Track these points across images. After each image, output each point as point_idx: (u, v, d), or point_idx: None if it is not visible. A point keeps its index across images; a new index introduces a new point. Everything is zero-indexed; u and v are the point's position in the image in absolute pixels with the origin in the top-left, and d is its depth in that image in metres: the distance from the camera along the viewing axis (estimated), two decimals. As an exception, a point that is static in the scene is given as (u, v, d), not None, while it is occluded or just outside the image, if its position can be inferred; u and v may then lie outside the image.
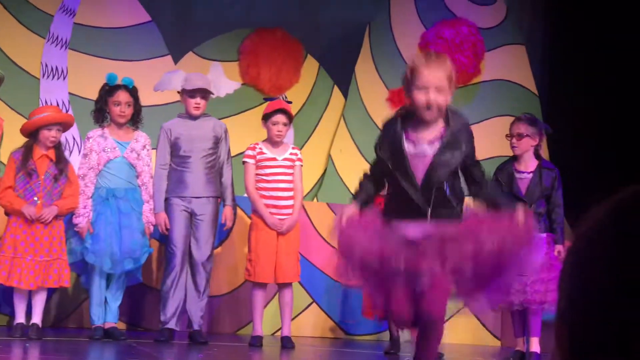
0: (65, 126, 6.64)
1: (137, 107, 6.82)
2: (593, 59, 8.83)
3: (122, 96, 6.75)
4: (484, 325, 8.20)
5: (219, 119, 7.20)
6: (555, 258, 6.65)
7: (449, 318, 8.12)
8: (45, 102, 8.08)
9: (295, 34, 8.96)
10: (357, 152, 8.98)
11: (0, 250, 6.43)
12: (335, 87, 9.12)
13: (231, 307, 7.62)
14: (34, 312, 6.48)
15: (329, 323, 7.90)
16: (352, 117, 9.02)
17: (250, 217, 7.01)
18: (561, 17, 9.49)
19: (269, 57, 8.83)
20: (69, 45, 8.39)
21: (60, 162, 6.57)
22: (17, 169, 6.50)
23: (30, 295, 6.52)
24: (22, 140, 6.63)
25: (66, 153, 6.96)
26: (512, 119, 7.13)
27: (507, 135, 6.90)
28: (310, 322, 7.84)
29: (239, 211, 7.53)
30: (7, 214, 6.56)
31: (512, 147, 6.83)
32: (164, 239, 6.84)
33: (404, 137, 4.19)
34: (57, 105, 7.88)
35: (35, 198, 6.47)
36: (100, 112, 6.79)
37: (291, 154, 6.89)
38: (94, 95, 6.93)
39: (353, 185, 8.79)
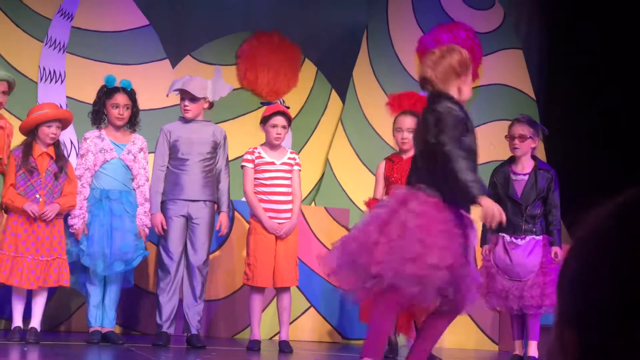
0: (64, 123, 6.61)
1: (134, 110, 6.82)
2: (590, 63, 8.84)
3: (120, 98, 6.75)
4: (481, 329, 8.20)
5: (216, 123, 7.20)
6: (552, 261, 6.63)
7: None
8: (43, 105, 8.06)
9: (293, 38, 8.97)
10: (354, 156, 8.98)
11: (1, 248, 6.41)
12: (333, 91, 9.12)
13: (229, 311, 7.62)
14: (33, 315, 6.46)
15: (327, 327, 7.90)
16: (349, 121, 9.03)
17: (248, 222, 7.01)
18: (558, 21, 9.50)
19: (267, 61, 8.84)
20: (67, 49, 8.39)
21: (60, 159, 6.57)
22: (17, 166, 6.48)
23: (28, 297, 6.51)
24: (21, 140, 6.61)
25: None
26: (509, 123, 7.11)
27: (506, 137, 6.87)
28: (308, 326, 7.84)
29: (237, 215, 7.53)
30: (7, 212, 6.53)
31: (513, 149, 6.79)
32: (159, 242, 6.83)
33: None
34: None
35: (38, 195, 6.44)
36: (98, 114, 6.79)
37: (289, 158, 6.89)
38: (91, 98, 6.93)
39: (350, 189, 8.85)
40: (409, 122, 6.56)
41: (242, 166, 6.86)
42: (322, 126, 9.06)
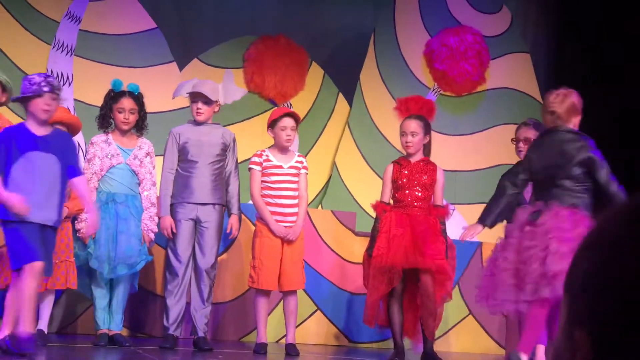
0: (69, 127, 6.56)
1: (142, 114, 6.81)
2: (598, 67, 8.83)
3: (126, 103, 6.74)
4: (488, 333, 8.19)
5: (224, 125, 7.21)
6: None
7: (454, 326, 8.13)
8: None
9: (300, 41, 8.98)
10: (361, 159, 8.99)
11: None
12: (340, 95, 9.13)
13: (236, 313, 7.62)
14: (41, 317, 6.46)
15: (333, 330, 7.89)
16: (357, 125, 9.03)
17: (254, 224, 7.01)
18: (566, 25, 9.49)
19: (274, 64, 8.85)
20: (75, 52, 8.41)
21: None
22: None
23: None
24: None
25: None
26: (515, 126, 7.10)
27: (512, 139, 6.88)
28: (314, 330, 7.84)
29: (243, 218, 7.54)
30: None
31: (518, 152, 6.79)
32: (166, 244, 6.83)
33: None
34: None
35: None
36: (105, 118, 6.79)
37: (297, 161, 6.88)
38: (99, 101, 6.94)
39: (357, 192, 8.85)
40: (413, 126, 6.59)
41: (250, 168, 6.86)
42: (329, 129, 9.06)
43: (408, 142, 6.63)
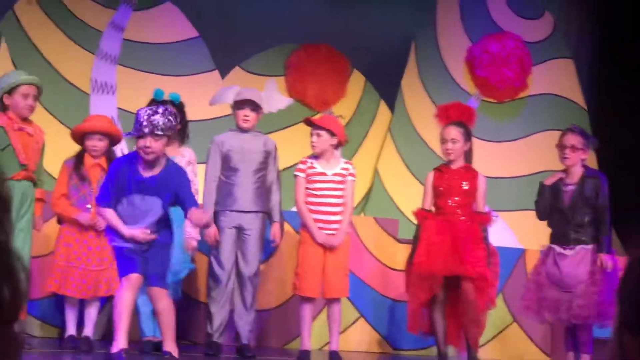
0: (110, 138, 6.62)
1: (183, 123, 6.84)
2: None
3: None
4: (532, 340, 8.13)
5: (265, 133, 7.23)
6: (600, 270, 6.48)
7: (498, 334, 8.08)
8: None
9: (341, 49, 8.99)
10: (403, 166, 8.98)
11: (53, 258, 6.49)
12: (382, 102, 9.13)
13: (279, 321, 7.63)
14: (86, 324, 6.52)
15: (376, 337, 7.88)
16: (398, 132, 9.02)
17: (298, 232, 7.02)
18: (609, 30, 9.42)
19: (315, 71, 8.87)
20: (118, 61, 8.49)
21: None
22: (69, 176, 6.53)
23: (81, 306, 6.57)
24: (64, 149, 6.68)
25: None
26: (559, 133, 7.03)
27: (557, 145, 6.79)
28: (357, 337, 7.82)
29: (286, 225, 7.55)
30: (59, 222, 6.60)
31: (563, 158, 6.70)
32: (210, 252, 6.86)
33: None
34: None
35: (88, 206, 6.48)
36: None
37: (343, 168, 6.84)
38: (142, 110, 6.97)
39: (400, 199, 8.84)
40: (453, 133, 6.59)
41: (295, 175, 6.85)
42: (371, 136, 9.06)
43: (448, 149, 6.61)
